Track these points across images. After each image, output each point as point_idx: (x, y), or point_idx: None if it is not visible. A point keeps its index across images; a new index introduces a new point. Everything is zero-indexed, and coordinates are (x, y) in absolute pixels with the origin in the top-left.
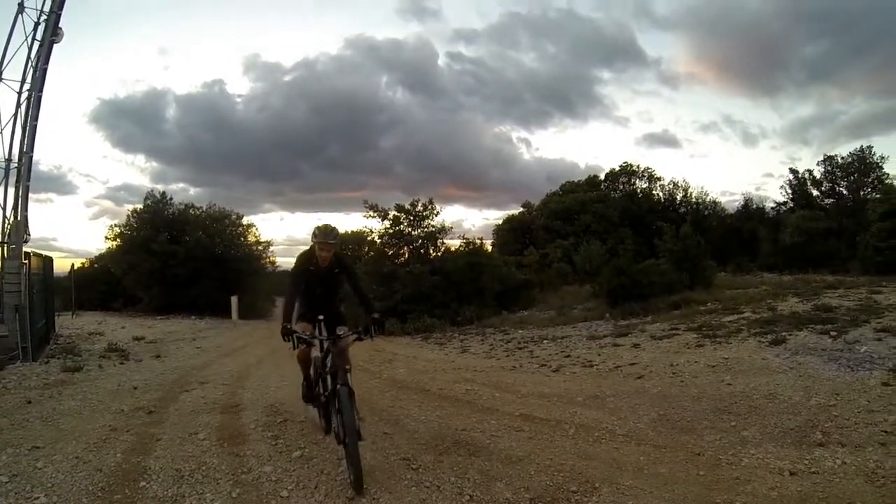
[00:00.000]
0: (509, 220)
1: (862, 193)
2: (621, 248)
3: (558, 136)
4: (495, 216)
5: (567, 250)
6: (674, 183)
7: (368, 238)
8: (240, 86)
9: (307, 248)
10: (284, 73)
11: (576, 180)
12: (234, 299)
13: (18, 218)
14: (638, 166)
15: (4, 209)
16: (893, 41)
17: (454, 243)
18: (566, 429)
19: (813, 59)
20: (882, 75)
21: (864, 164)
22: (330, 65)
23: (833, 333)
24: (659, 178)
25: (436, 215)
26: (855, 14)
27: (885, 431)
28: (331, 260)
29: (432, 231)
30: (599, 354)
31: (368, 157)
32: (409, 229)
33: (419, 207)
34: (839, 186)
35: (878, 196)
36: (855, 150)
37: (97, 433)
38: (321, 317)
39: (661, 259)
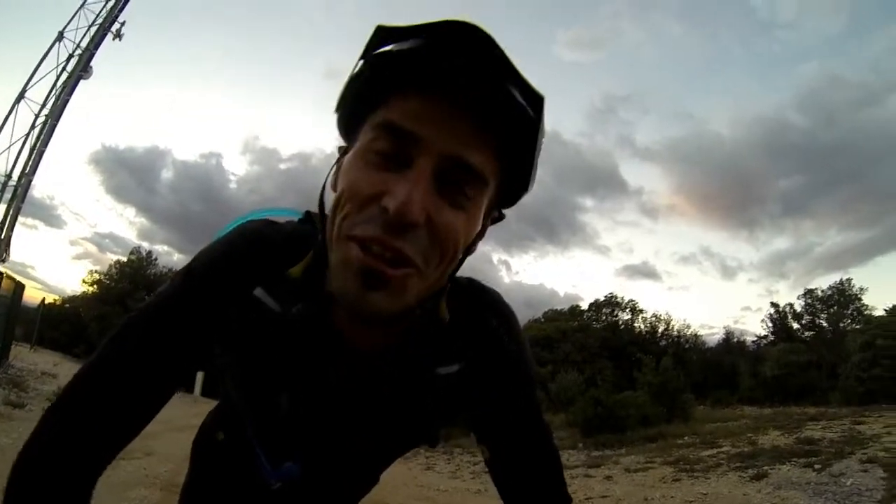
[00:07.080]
0: None
1: (842, 325)
2: (599, 379)
3: (539, 261)
4: None
5: (544, 378)
6: (656, 316)
7: None
8: (236, 164)
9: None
10: (280, 160)
11: (558, 308)
12: (200, 374)
13: (2, 236)
14: (622, 298)
15: None
16: (863, 175)
17: None
18: None
19: (787, 193)
20: (853, 208)
21: (843, 297)
22: (325, 161)
23: (817, 466)
24: (641, 311)
25: None
26: (826, 150)
27: None
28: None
29: None
30: (570, 485)
31: None
32: None
33: None
34: (819, 319)
35: (857, 327)
36: (835, 282)
37: None
38: None
39: (639, 391)
